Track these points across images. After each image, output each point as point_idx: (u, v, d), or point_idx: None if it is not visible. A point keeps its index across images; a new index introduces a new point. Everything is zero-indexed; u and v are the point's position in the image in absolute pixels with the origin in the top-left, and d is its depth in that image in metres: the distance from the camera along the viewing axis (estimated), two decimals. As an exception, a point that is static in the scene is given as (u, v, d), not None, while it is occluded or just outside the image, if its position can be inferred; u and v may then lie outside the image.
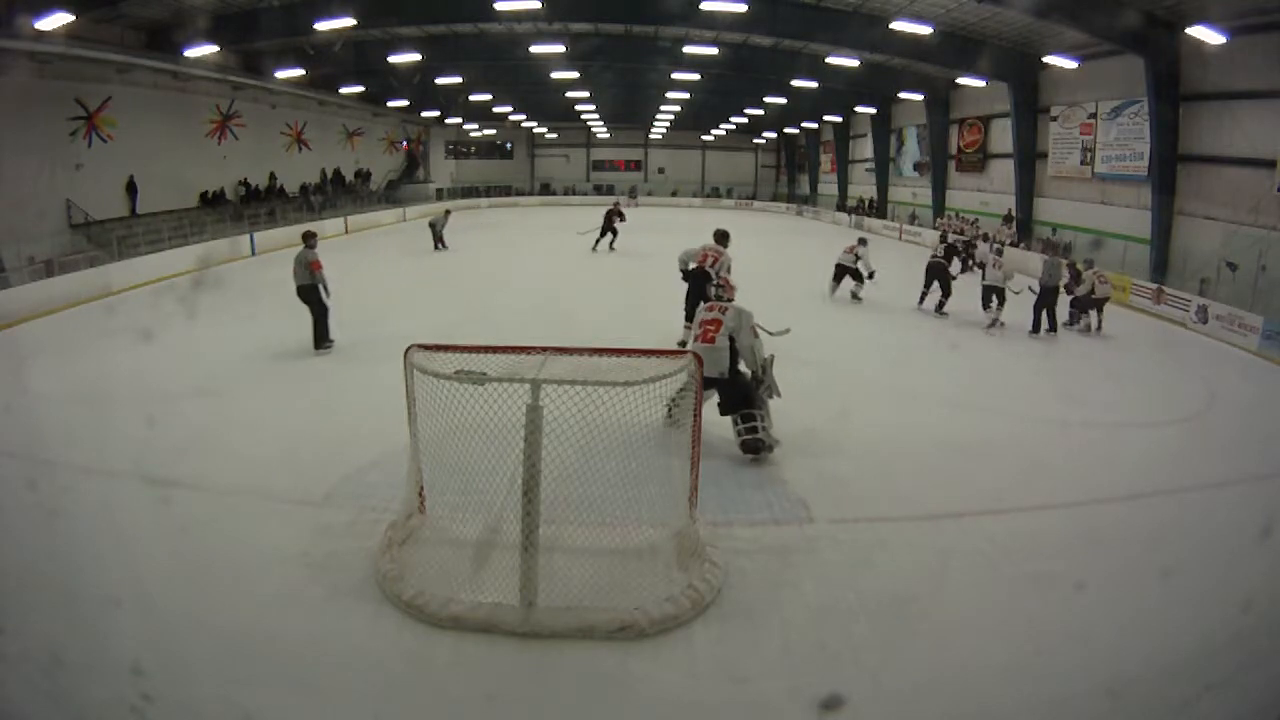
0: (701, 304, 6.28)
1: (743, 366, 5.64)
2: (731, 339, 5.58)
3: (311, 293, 8.20)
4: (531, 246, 20.21)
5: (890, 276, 14.05)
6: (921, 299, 11.65)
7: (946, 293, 11.23)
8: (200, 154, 20.04)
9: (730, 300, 6.01)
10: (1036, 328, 10.00)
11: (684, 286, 8.42)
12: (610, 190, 38.72)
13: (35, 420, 6.20)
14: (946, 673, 3.27)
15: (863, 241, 12.41)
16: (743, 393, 5.52)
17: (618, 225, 17.92)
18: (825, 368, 8.20)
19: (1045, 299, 10.04)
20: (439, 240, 18.50)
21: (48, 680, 3.05)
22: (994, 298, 10.35)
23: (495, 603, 3.49)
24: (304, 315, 8.32)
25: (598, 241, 17.88)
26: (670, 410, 4.92)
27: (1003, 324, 10.31)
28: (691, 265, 8.39)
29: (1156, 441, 6.52)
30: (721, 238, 8.64)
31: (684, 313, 8.37)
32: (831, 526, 4.54)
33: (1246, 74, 12.36)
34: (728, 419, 5.56)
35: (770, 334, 8.32)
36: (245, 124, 21.51)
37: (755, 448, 5.47)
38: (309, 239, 8.40)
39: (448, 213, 19.60)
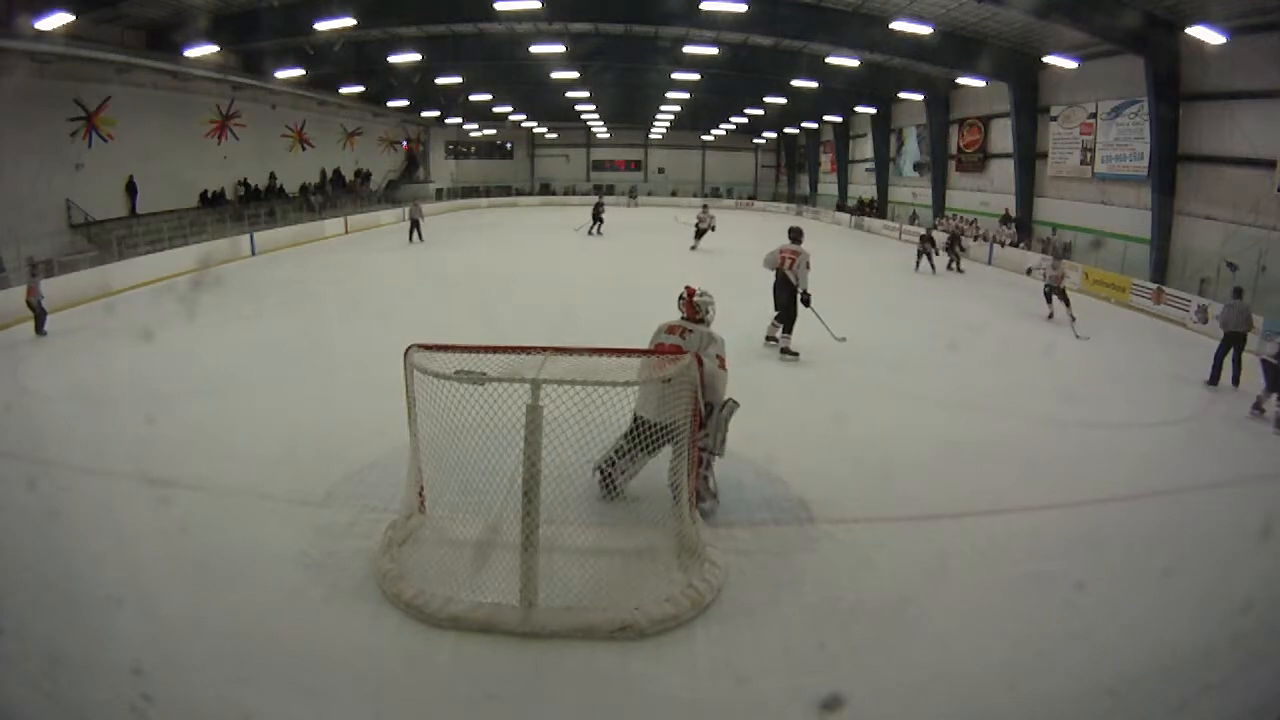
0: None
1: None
2: None
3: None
4: (531, 246, 20.22)
5: (889, 277, 14.08)
6: None
7: None
8: (200, 154, 20.05)
9: (699, 321, 4.77)
10: (1215, 378, 8.37)
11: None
12: (610, 190, 38.81)
13: (35, 420, 6.21)
14: (946, 673, 3.27)
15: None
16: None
17: (603, 215, 22.60)
18: (825, 367, 8.21)
19: (1231, 345, 8.36)
20: (415, 231, 19.44)
21: (48, 680, 3.05)
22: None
23: (495, 603, 3.49)
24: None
25: (591, 229, 21.90)
26: (604, 478, 4.32)
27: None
28: (775, 269, 8.49)
29: (1156, 441, 6.52)
30: (797, 235, 8.72)
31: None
32: (831, 526, 4.53)
33: (1246, 74, 12.36)
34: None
35: (835, 338, 8.39)
36: (245, 124, 21.51)
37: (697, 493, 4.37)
38: (35, 268, 10.22)
39: (416, 202, 21.48)
